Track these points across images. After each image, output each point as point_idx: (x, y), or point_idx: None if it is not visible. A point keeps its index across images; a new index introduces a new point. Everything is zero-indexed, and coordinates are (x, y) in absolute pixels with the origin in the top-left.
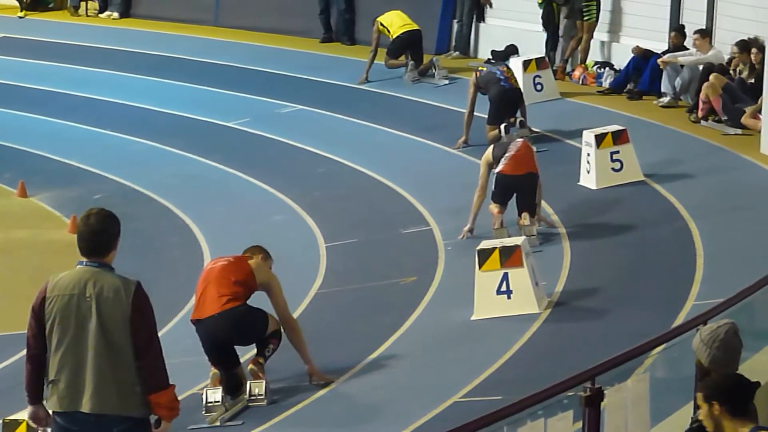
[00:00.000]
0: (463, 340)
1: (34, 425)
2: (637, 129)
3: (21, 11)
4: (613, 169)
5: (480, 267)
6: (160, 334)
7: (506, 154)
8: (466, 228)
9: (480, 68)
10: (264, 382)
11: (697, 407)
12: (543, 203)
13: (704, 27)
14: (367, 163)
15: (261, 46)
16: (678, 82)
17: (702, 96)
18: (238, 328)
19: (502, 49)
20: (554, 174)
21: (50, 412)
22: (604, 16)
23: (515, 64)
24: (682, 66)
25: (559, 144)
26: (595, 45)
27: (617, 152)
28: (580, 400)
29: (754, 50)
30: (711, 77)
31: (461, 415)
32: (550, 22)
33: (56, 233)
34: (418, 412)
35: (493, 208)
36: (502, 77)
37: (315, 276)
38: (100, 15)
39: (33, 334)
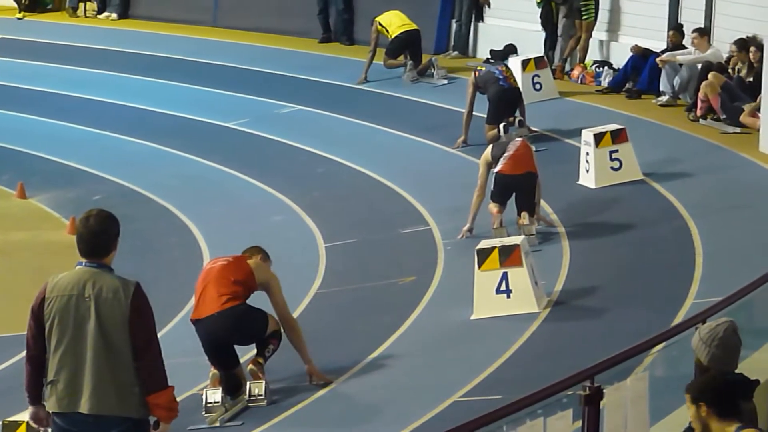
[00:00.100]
0: (462, 339)
1: (34, 426)
2: (636, 128)
3: (19, 12)
4: (612, 168)
5: (479, 266)
6: (159, 334)
7: (505, 154)
8: (466, 227)
9: (479, 68)
10: (264, 382)
11: None
12: (542, 202)
13: (703, 26)
14: (367, 163)
15: (260, 47)
16: (677, 80)
17: (701, 95)
18: (238, 328)
19: (501, 48)
20: (553, 173)
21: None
22: (603, 16)
23: (514, 63)
24: (680, 65)
25: (558, 143)
26: (593, 44)
27: (616, 151)
28: (579, 399)
29: (752, 49)
30: (709, 76)
31: (461, 414)
32: (548, 22)
33: (55, 234)
34: (418, 412)
35: (493, 207)
36: (501, 77)
37: (314, 276)
38: (98, 16)
39: (32, 334)
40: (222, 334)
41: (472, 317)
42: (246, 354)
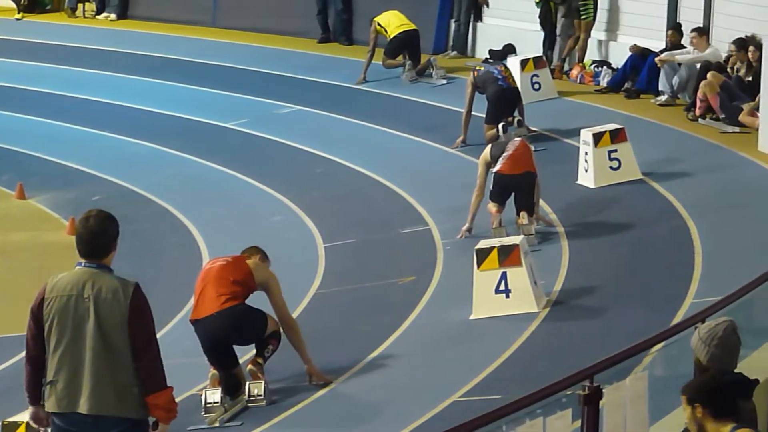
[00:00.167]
0: (461, 339)
1: (35, 426)
2: (635, 127)
3: (18, 13)
4: (611, 167)
5: (478, 266)
6: (159, 335)
7: (504, 154)
8: (465, 227)
9: (478, 68)
10: (263, 382)
11: None
12: (541, 202)
13: (701, 25)
14: (366, 163)
15: (259, 47)
16: (675, 80)
17: (699, 94)
18: (237, 327)
19: (500, 48)
20: (552, 173)
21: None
22: (602, 15)
23: (513, 63)
24: (679, 64)
25: (557, 143)
26: (592, 44)
27: (615, 151)
28: (578, 398)
29: (751, 48)
30: (708, 75)
31: (460, 414)
32: (547, 21)
33: (55, 235)
34: (418, 412)
35: (492, 207)
36: (499, 77)
37: (313, 276)
38: (97, 16)
39: (32, 335)
40: (221, 334)
41: (472, 317)
42: (245, 354)
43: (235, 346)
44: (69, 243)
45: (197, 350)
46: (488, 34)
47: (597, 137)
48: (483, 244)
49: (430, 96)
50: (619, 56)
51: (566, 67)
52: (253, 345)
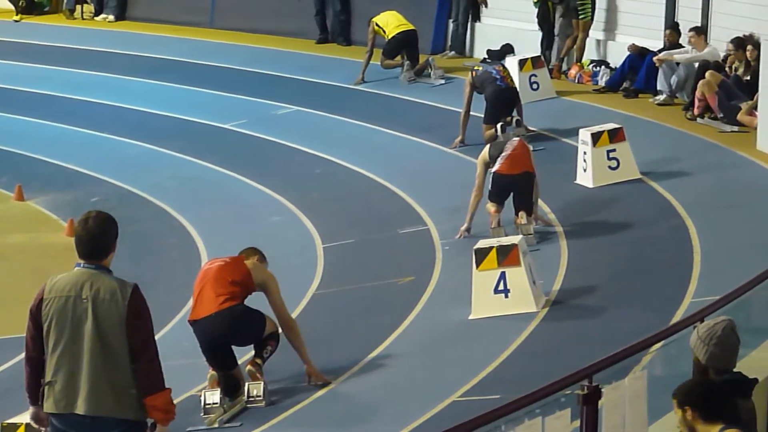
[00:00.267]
0: (460, 339)
1: (35, 426)
2: (634, 127)
3: (16, 15)
4: (609, 167)
5: (477, 266)
6: (158, 336)
7: (503, 154)
8: (464, 227)
9: (476, 68)
10: (262, 383)
11: None
12: (540, 202)
13: (699, 24)
14: (364, 163)
15: (257, 48)
16: (674, 79)
17: (698, 93)
18: (236, 328)
19: (498, 48)
20: (551, 172)
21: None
22: (600, 15)
23: (511, 63)
24: (677, 64)
25: (555, 143)
26: (590, 43)
27: (614, 150)
28: (577, 398)
29: (749, 47)
30: (707, 75)
31: (459, 414)
32: (545, 21)
33: (53, 237)
34: (417, 412)
35: (490, 207)
36: (498, 76)
37: (312, 277)
38: (95, 18)
39: (31, 336)
40: (220, 334)
41: (471, 317)
42: (244, 355)
43: (233, 347)
44: (68, 244)
45: (196, 351)
46: (486, 34)
47: (595, 137)
48: (482, 244)
49: (428, 96)
50: (617, 56)
51: (564, 66)
52: (252, 346)
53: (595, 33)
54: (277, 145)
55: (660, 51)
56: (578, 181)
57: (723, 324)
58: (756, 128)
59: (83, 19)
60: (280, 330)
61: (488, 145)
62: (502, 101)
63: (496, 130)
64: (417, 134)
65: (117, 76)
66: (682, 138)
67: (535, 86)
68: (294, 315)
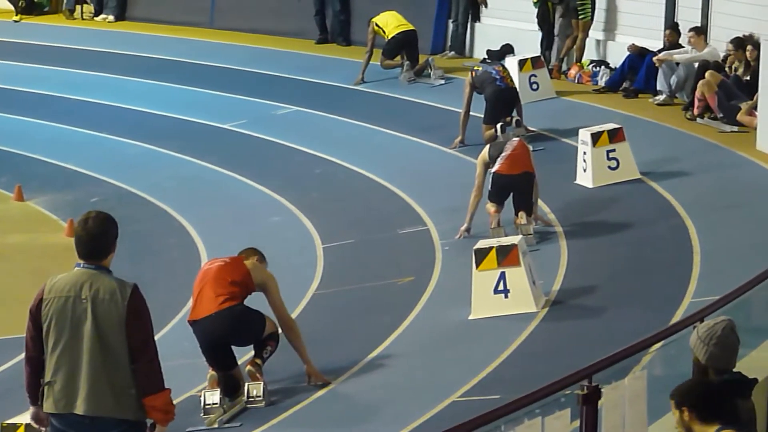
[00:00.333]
0: (460, 339)
1: (36, 426)
2: (633, 127)
3: (16, 15)
4: (609, 167)
5: (477, 266)
6: (157, 336)
7: (502, 154)
8: (463, 227)
9: (476, 68)
10: (262, 383)
11: None
12: (540, 202)
13: (699, 24)
14: (364, 163)
15: (257, 48)
16: (673, 79)
17: (698, 93)
18: (235, 328)
19: (498, 48)
20: (551, 172)
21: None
22: (599, 15)
23: (511, 63)
24: (677, 64)
25: (555, 143)
26: (590, 43)
27: (613, 150)
28: (577, 398)
29: (749, 47)
30: (706, 75)
31: (459, 414)
32: (545, 21)
33: (53, 237)
34: (417, 412)
35: (490, 207)
36: (497, 77)
37: (312, 277)
38: (95, 18)
39: (31, 336)
40: (219, 334)
41: (470, 317)
42: (244, 355)
43: (233, 347)
44: (67, 245)
45: (196, 351)
46: (486, 35)
47: (595, 137)
48: (481, 244)
49: (428, 96)
50: (617, 56)
51: (564, 66)
52: (252, 346)
53: (595, 33)
54: (276, 145)
55: (660, 51)
56: (578, 181)
57: (723, 324)
58: (756, 128)
59: (83, 19)
60: (279, 330)
61: (488, 146)
62: (502, 101)
63: (495, 131)
64: (417, 134)
65: (116, 76)
66: (682, 138)
67: (534, 86)
68: (294, 315)
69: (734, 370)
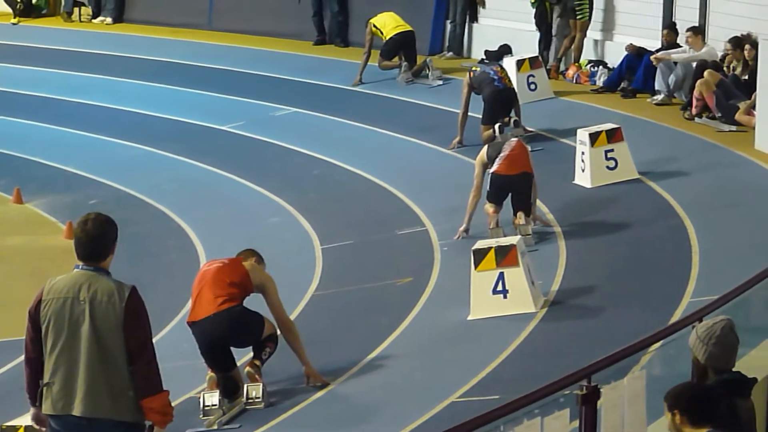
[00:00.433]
0: (459, 340)
1: (36, 427)
2: (632, 127)
3: (14, 18)
4: (607, 167)
5: (476, 267)
6: (156, 338)
7: (501, 154)
8: (462, 228)
9: (473, 68)
10: (261, 384)
11: None
12: (538, 202)
13: (697, 24)
14: (362, 164)
15: (255, 49)
16: (672, 79)
17: (696, 93)
18: (234, 329)
19: (496, 49)
20: (549, 173)
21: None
22: (597, 15)
23: (509, 63)
24: (675, 63)
25: (553, 143)
26: (588, 44)
27: (612, 150)
28: (576, 398)
29: (747, 47)
30: (705, 74)
31: (458, 414)
32: (543, 22)
33: (52, 239)
34: (416, 413)
35: (489, 207)
36: (495, 77)
37: (311, 278)
38: (93, 20)
39: (30, 337)
40: (218, 335)
41: (469, 318)
42: (243, 357)
43: (232, 349)
44: (66, 247)
45: (195, 353)
46: (484, 35)
47: (593, 137)
48: (480, 244)
49: (426, 97)
50: (615, 56)
51: (562, 67)
52: (251, 347)
53: (593, 33)
54: (274, 146)
55: (657, 51)
56: (576, 181)
57: (722, 323)
58: (754, 128)
59: (81, 21)
60: (278, 332)
61: (486, 146)
62: (500, 102)
63: (494, 131)
64: (415, 135)
65: (115, 79)
66: (680, 138)
67: (532, 87)
68: (293, 316)
69: (733, 369)
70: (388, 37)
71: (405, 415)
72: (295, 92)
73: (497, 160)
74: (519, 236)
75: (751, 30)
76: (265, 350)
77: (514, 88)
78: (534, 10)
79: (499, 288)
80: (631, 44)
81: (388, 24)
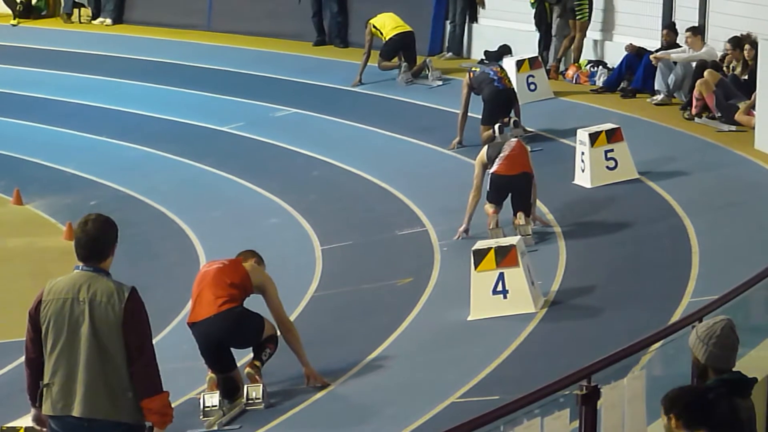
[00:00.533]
0: (459, 340)
1: (37, 427)
2: (631, 127)
3: (14, 19)
4: (607, 167)
5: (476, 267)
6: (156, 338)
7: (500, 155)
8: (462, 228)
9: (473, 69)
10: (261, 385)
11: None
12: (538, 202)
13: (696, 24)
14: (362, 165)
15: (254, 50)
16: (671, 79)
17: (695, 93)
18: (234, 330)
19: (495, 49)
20: (549, 173)
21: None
22: (597, 15)
23: (508, 64)
24: (675, 63)
25: (553, 143)
26: (587, 44)
27: (611, 150)
28: (576, 398)
29: (746, 46)
30: (705, 74)
31: (459, 415)
32: (542, 22)
33: (52, 240)
34: (416, 413)
35: (488, 208)
36: (495, 77)
37: (311, 279)
38: (93, 21)
39: (30, 338)
40: (218, 336)
41: (469, 318)
42: (243, 357)
43: (232, 350)
44: (66, 248)
45: (195, 354)
46: (483, 35)
47: (593, 137)
48: (480, 244)
49: (425, 97)
50: (614, 56)
51: (562, 67)
52: (251, 348)
53: (593, 33)
54: (274, 147)
55: (657, 51)
56: (576, 181)
57: (722, 323)
58: (754, 128)
59: (80, 22)
60: (278, 332)
61: (486, 146)
62: (500, 102)
63: (493, 131)
64: (415, 136)
65: (114, 80)
66: (680, 138)
67: (532, 87)
68: (293, 317)
69: (734, 369)
70: (387, 38)
71: (405, 416)
72: (294, 93)
73: (497, 160)
74: (519, 236)
75: (751, 30)
76: (265, 351)
77: (513, 89)
78: (533, 11)
79: (499, 288)
80: (631, 44)
81: (388, 24)
